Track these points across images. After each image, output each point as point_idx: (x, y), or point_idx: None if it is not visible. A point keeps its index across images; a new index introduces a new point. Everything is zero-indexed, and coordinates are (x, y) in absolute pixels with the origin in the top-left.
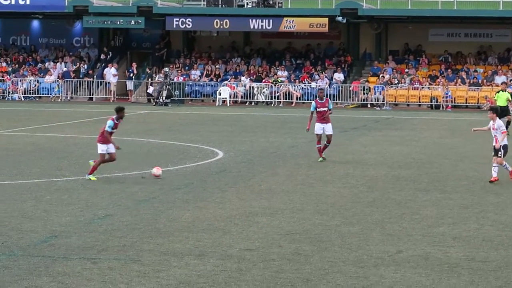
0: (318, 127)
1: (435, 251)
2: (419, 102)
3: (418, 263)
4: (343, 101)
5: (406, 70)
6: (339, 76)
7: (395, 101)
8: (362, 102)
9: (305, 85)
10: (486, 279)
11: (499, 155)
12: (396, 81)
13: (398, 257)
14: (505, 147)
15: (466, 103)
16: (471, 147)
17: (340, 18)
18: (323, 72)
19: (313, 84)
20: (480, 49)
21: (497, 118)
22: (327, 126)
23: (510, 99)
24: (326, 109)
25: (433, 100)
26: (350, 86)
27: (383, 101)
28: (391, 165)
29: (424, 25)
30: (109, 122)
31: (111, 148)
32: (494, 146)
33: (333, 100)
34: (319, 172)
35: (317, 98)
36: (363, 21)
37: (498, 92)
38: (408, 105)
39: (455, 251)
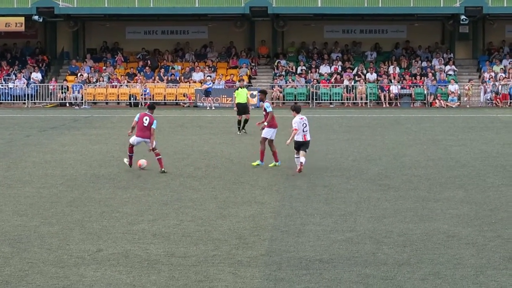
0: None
1: (135, 248)
2: (118, 100)
3: (119, 261)
4: (41, 101)
5: (104, 68)
6: (36, 76)
7: (94, 100)
8: (61, 101)
9: (2, 85)
10: (186, 274)
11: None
12: (95, 80)
13: (98, 256)
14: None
15: (165, 100)
16: (170, 144)
17: (36, 17)
18: (21, 72)
19: (11, 84)
20: (177, 46)
21: (297, 114)
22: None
23: (249, 96)
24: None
25: (132, 98)
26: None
27: (82, 99)
28: (91, 163)
29: (121, 23)
30: (266, 104)
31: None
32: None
33: (32, 100)
34: (18, 173)
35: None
36: (60, 20)
37: (237, 89)
38: (107, 103)
39: (155, 247)
